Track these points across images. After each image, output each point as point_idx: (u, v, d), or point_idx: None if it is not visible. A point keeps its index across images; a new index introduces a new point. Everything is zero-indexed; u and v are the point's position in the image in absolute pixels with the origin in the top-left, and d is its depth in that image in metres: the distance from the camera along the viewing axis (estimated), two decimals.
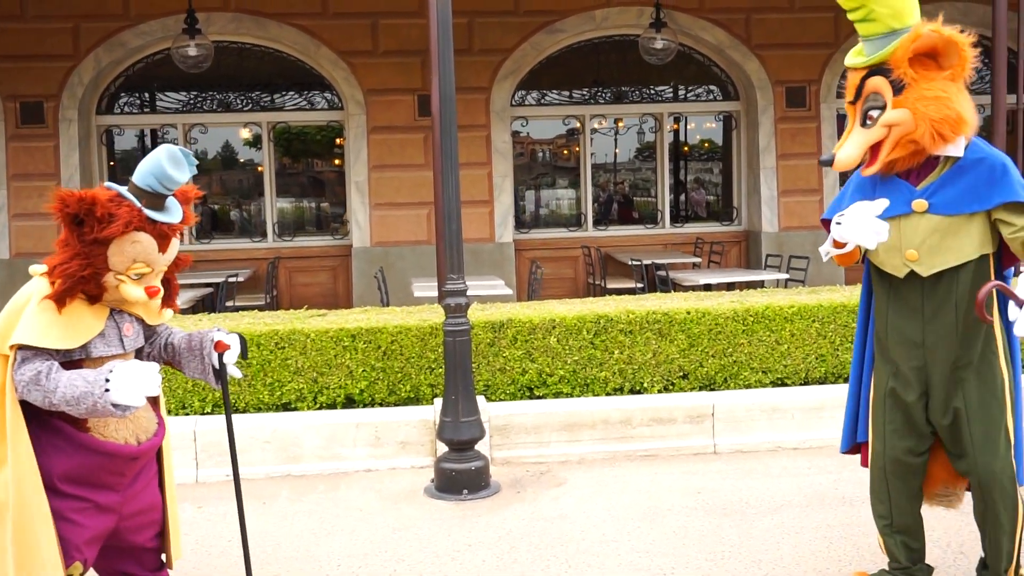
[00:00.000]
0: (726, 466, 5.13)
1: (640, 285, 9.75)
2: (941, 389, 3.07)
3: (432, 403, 5.48)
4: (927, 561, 3.34)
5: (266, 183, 11.12)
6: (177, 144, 2.96)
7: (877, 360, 3.23)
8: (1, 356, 2.78)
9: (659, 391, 5.65)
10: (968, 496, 3.31)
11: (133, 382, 2.70)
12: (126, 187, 2.85)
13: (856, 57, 3.01)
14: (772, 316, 5.69)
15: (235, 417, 5.26)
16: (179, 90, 10.93)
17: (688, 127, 12.09)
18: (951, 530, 4.05)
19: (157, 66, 10.75)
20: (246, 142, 11.33)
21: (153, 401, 3.04)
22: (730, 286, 9.10)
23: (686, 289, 8.39)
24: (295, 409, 5.46)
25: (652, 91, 11.57)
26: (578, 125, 11.54)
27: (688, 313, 5.66)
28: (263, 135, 11.05)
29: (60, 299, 2.76)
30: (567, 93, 11.45)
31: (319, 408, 5.47)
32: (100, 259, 2.78)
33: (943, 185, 2.96)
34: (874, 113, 2.92)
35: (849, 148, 2.95)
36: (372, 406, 5.52)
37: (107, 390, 2.67)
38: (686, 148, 12.20)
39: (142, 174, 2.84)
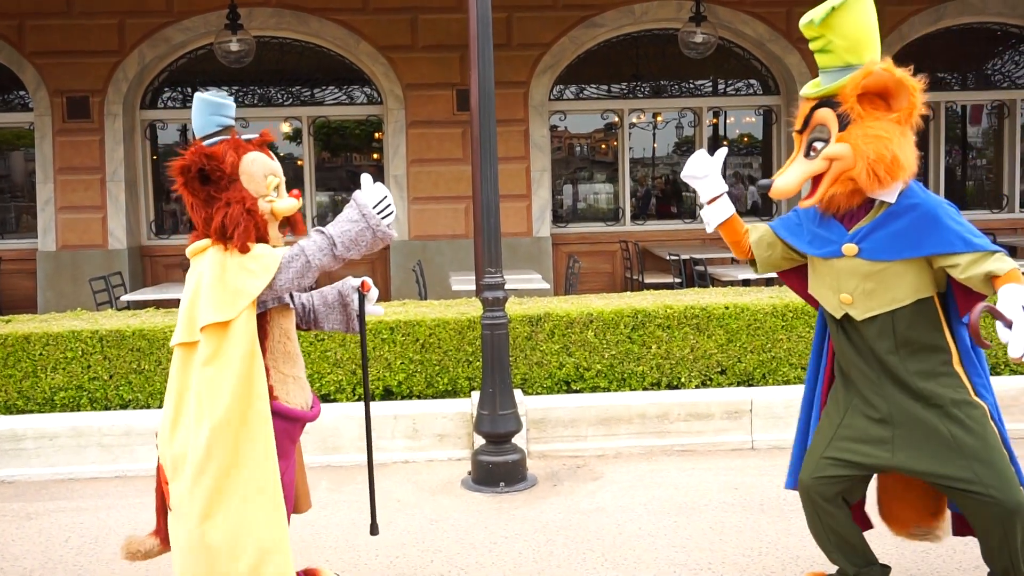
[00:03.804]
0: (764, 462, 5.10)
1: (678, 280, 9.71)
2: (911, 424, 2.93)
3: (469, 396, 5.51)
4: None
5: (306, 177, 11.23)
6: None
7: (839, 389, 3.12)
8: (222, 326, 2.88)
9: (696, 386, 5.63)
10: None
11: (382, 196, 2.97)
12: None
13: (811, 88, 2.97)
14: (812, 312, 5.64)
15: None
16: (221, 85, 11.06)
17: (727, 121, 12.01)
18: None
19: (200, 61, 10.90)
20: (286, 136, 11.44)
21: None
22: (769, 282, 9.03)
23: (724, 284, 8.35)
24: (334, 400, 5.52)
25: (691, 85, 11.50)
26: (616, 119, 11.51)
27: (726, 308, 5.63)
28: (303, 129, 11.15)
29: (245, 246, 2.92)
30: (605, 87, 11.43)
31: (358, 400, 5.53)
32: (246, 194, 2.95)
33: (874, 230, 2.88)
34: (818, 145, 2.86)
35: (788, 177, 2.90)
36: (410, 398, 5.56)
37: (382, 215, 2.94)
38: (725, 142, 12.11)
39: (205, 120, 3.02)
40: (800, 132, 2.94)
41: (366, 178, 3.02)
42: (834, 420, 3.08)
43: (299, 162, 11.31)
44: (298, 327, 3.34)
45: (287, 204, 3.06)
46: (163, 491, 3.05)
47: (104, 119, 10.55)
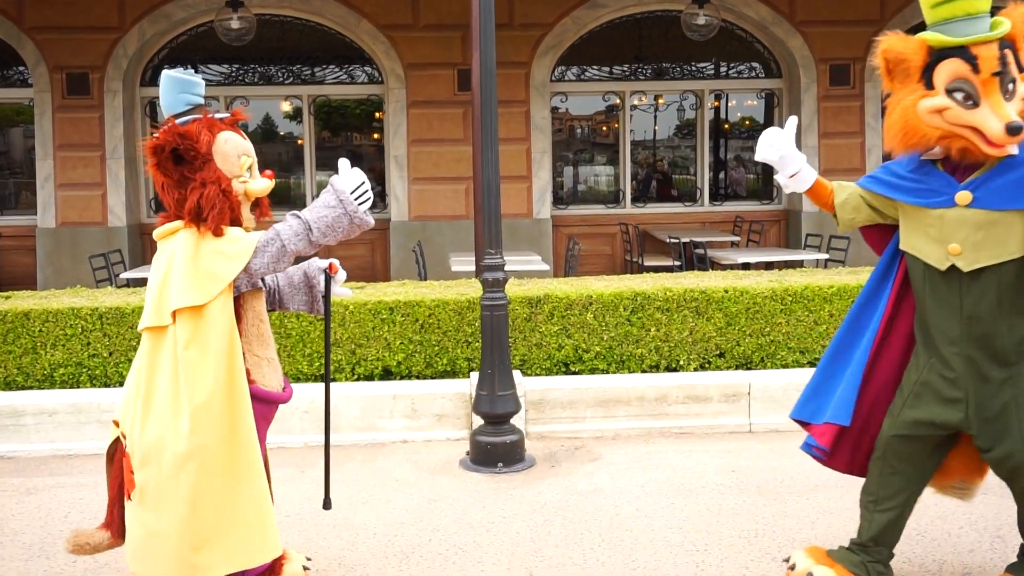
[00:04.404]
0: (761, 445, 5.12)
1: (678, 263, 9.71)
2: (983, 387, 2.99)
3: (468, 376, 5.52)
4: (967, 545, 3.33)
5: (306, 156, 11.20)
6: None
7: (920, 350, 3.17)
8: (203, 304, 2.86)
9: (695, 369, 5.64)
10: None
11: (360, 181, 2.96)
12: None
13: (953, 36, 2.91)
14: (811, 296, 5.65)
15: None
16: (221, 63, 11.02)
17: (729, 104, 11.98)
18: (989, 513, 4.03)
19: (200, 38, 10.84)
20: (287, 115, 11.40)
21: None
22: (769, 265, 9.04)
23: (724, 268, 8.35)
24: (333, 380, 5.53)
25: (693, 68, 11.46)
26: (618, 101, 11.47)
27: (726, 292, 5.63)
28: (304, 108, 11.11)
29: (220, 229, 2.89)
30: (607, 69, 11.38)
31: (357, 379, 5.54)
32: (221, 175, 2.91)
33: (989, 179, 2.91)
34: (1011, 86, 2.87)
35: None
36: (409, 378, 5.58)
37: (359, 201, 2.93)
38: (727, 126, 12.09)
39: (174, 100, 2.98)
40: (998, 74, 2.86)
41: (343, 163, 2.99)
42: (912, 378, 3.14)
43: (299, 141, 11.28)
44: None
45: (261, 185, 3.01)
46: (120, 481, 2.98)
47: (104, 96, 10.51)
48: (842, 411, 3.20)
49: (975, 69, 2.84)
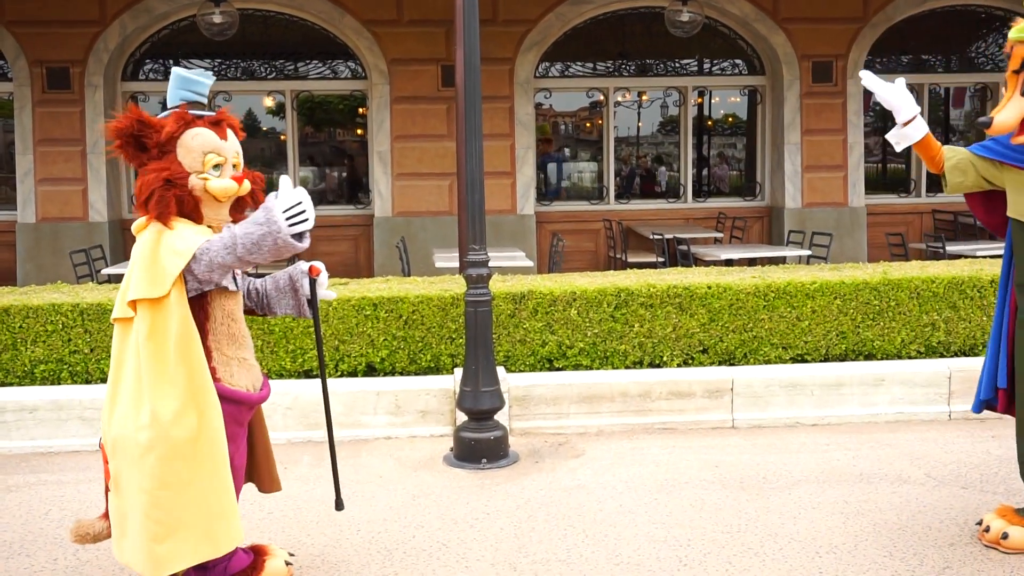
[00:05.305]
0: (744, 441, 5.14)
1: (661, 259, 9.73)
2: None
3: (452, 373, 5.52)
4: None
5: (289, 152, 11.15)
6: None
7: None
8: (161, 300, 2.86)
9: (678, 365, 5.66)
10: None
11: (295, 202, 2.79)
12: None
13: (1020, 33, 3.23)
14: (793, 292, 5.67)
15: None
16: (204, 57, 10.95)
17: (712, 101, 12.01)
18: (969, 508, 4.06)
19: (182, 33, 10.77)
20: (269, 111, 11.35)
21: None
22: (752, 262, 9.07)
23: (707, 264, 8.37)
24: (317, 376, 5.51)
25: (677, 64, 11.48)
26: (602, 98, 11.48)
27: (709, 288, 5.65)
28: (286, 104, 11.07)
29: (163, 217, 2.87)
30: (591, 65, 11.39)
31: (340, 376, 5.53)
32: (175, 164, 2.89)
33: None
34: None
35: (1007, 114, 3.17)
36: (393, 375, 5.57)
37: (291, 222, 2.78)
38: (710, 122, 12.12)
39: (173, 95, 3.01)
40: (1017, 72, 3.18)
41: (284, 181, 2.83)
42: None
43: (282, 137, 11.23)
44: (253, 312, 3.33)
45: (220, 185, 2.95)
46: (107, 471, 3.03)
47: (84, 90, 10.42)
48: (1002, 376, 3.54)
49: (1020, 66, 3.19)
